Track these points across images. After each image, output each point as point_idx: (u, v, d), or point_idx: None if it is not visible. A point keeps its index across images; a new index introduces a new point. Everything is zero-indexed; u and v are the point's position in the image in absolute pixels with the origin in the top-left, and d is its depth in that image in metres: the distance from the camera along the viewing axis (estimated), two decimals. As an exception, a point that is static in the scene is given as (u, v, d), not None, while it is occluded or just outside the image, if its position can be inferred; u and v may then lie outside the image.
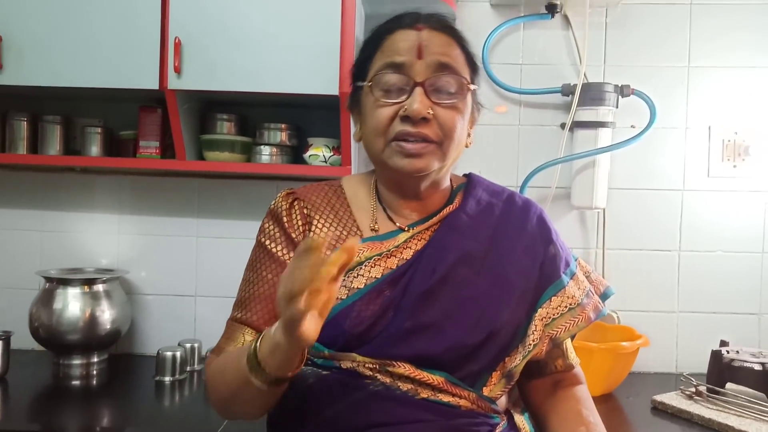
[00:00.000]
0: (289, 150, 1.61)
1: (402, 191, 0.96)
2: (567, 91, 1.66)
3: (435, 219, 0.95)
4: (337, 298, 0.88)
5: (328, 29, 1.41)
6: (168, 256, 1.73)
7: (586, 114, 1.63)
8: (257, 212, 1.70)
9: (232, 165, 1.56)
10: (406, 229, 0.95)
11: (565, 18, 1.70)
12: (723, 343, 1.50)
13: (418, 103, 0.86)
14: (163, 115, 1.57)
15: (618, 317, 1.68)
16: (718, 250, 1.70)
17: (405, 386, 0.86)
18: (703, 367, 1.47)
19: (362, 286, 0.88)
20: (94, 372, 1.57)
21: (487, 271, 0.92)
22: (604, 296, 1.02)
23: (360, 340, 0.87)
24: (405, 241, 0.93)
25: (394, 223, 0.96)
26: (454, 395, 0.86)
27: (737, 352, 1.44)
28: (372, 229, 0.95)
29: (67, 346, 1.56)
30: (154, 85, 1.43)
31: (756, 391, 1.37)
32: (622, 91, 1.64)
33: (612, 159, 1.67)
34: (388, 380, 0.85)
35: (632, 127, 1.68)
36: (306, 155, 1.57)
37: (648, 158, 1.70)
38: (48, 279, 1.59)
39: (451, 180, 1.02)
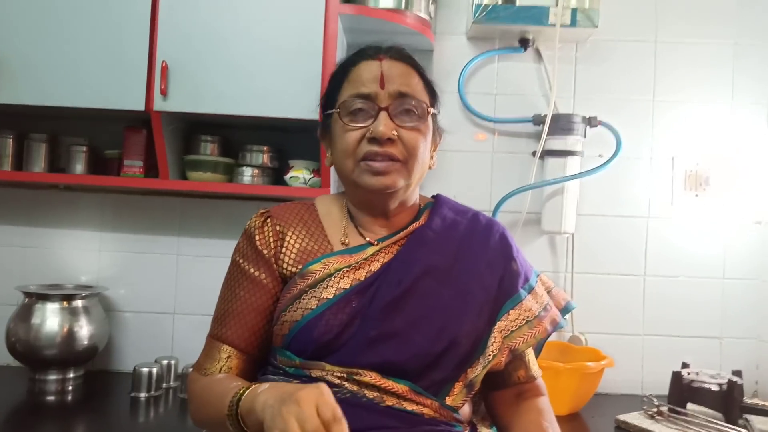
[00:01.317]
0: (270, 172, 1.66)
1: (371, 209, 1.01)
2: (538, 120, 1.74)
3: (402, 234, 1.00)
4: (308, 309, 0.93)
5: (310, 57, 1.48)
6: (148, 274, 1.76)
7: (556, 143, 1.71)
8: (238, 232, 1.72)
9: (215, 185, 1.60)
10: (375, 243, 1.00)
11: (537, 52, 1.79)
12: (684, 365, 1.56)
13: (383, 125, 0.93)
14: (147, 136, 1.61)
15: (585, 339, 1.74)
16: (682, 276, 1.78)
17: (371, 394, 0.90)
18: (668, 389, 1.52)
19: (331, 296, 0.93)
20: (70, 388, 1.58)
21: (451, 283, 0.96)
22: (565, 310, 1.07)
23: (328, 348, 0.91)
24: (373, 254, 0.98)
25: (364, 238, 1.01)
26: (417, 403, 0.91)
27: (697, 373, 1.50)
28: (342, 243, 1.00)
29: (44, 362, 1.57)
30: (141, 106, 1.48)
31: (714, 411, 1.43)
32: (590, 122, 1.73)
33: (581, 186, 1.75)
34: (355, 388, 0.90)
35: (600, 156, 1.76)
36: (287, 177, 1.62)
37: (615, 186, 1.78)
38: (27, 294, 1.60)
39: (419, 200, 1.08)
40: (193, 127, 1.69)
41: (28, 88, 1.47)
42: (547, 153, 1.72)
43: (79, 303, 1.61)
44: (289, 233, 1.01)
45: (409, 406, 0.90)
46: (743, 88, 1.78)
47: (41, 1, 1.47)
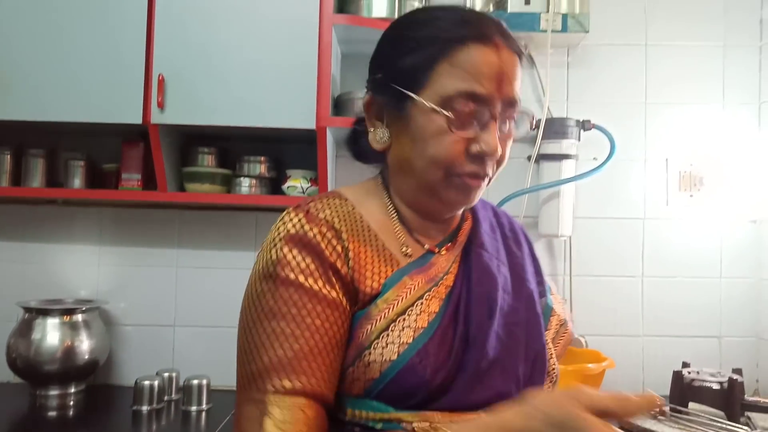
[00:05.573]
0: (268, 182, 1.67)
1: (431, 215, 0.83)
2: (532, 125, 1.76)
3: (461, 238, 0.85)
4: (405, 343, 0.72)
5: (306, 68, 1.49)
6: (147, 287, 1.76)
7: (551, 147, 1.72)
8: (236, 243, 1.76)
9: (213, 196, 1.61)
10: (437, 251, 0.82)
11: (530, 57, 1.81)
12: (685, 365, 1.56)
13: (496, 141, 0.74)
14: (145, 149, 1.62)
15: (585, 341, 1.74)
16: (679, 276, 1.79)
17: None
18: (668, 389, 1.52)
19: (426, 325, 0.74)
20: (71, 403, 1.57)
21: (516, 293, 0.84)
22: None
23: (441, 390, 0.73)
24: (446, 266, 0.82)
25: (422, 245, 0.82)
26: None
27: (698, 372, 1.51)
28: (405, 254, 0.80)
29: (45, 377, 1.56)
30: (138, 119, 1.48)
31: (715, 410, 1.43)
32: (584, 125, 1.75)
33: (576, 189, 1.76)
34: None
35: (594, 159, 1.78)
36: (284, 186, 1.63)
37: (610, 189, 1.80)
38: (27, 309, 1.60)
39: None
40: (191, 139, 1.69)
41: (26, 103, 1.48)
42: (543, 157, 1.74)
43: (79, 317, 1.61)
44: (345, 239, 0.76)
45: None
46: (733, 88, 1.80)
47: (37, 17, 1.48)
